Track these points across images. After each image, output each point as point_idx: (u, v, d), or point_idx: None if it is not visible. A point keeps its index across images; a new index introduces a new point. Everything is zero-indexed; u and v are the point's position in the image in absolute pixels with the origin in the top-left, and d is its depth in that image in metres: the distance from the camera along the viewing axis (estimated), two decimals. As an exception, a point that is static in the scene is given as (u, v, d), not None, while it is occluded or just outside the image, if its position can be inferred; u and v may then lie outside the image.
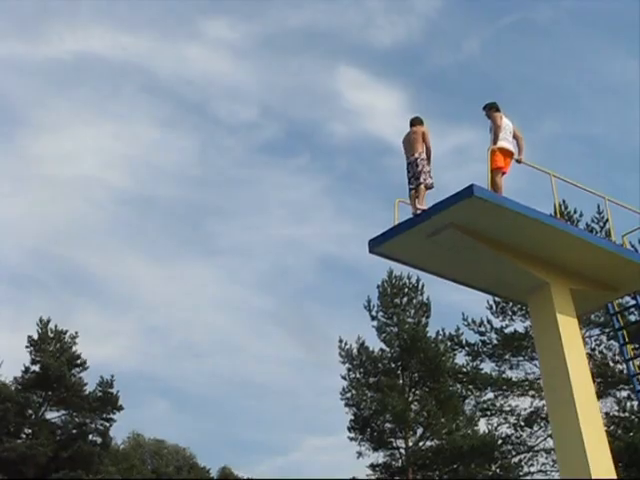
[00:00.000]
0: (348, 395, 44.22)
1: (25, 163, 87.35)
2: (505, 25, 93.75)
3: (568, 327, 14.39)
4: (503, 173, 14.40)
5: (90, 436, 45.84)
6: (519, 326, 39.39)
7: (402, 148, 14.95)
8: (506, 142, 14.58)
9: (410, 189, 14.45)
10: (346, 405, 44.10)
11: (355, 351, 44.78)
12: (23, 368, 45.53)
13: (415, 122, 14.90)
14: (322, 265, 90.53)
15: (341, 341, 44.91)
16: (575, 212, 37.41)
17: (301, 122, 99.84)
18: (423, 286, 45.66)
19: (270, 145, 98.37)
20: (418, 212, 13.99)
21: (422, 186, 14.25)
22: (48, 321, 46.85)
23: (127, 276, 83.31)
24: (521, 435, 40.63)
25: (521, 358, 39.83)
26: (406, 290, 45.96)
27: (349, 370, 44.71)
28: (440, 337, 43.34)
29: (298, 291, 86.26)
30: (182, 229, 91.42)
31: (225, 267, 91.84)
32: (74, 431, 45.15)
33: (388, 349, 44.53)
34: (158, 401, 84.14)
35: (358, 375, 44.70)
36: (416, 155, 14.52)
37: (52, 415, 45.79)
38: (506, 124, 14.71)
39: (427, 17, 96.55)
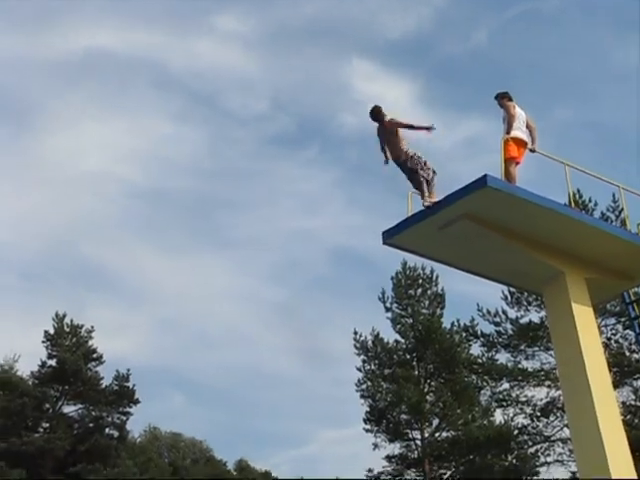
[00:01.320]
0: (363, 387, 44.26)
1: (37, 159, 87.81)
2: (514, 13, 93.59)
3: (584, 316, 14.34)
4: (517, 163, 14.31)
5: (107, 430, 46.09)
6: (534, 316, 39.34)
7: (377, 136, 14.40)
8: (519, 132, 14.46)
9: (415, 186, 14.17)
10: (361, 397, 44.15)
11: (370, 343, 44.78)
12: (40, 363, 45.85)
13: (377, 115, 14.26)
14: (334, 257, 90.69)
15: (356, 333, 44.92)
16: (590, 201, 37.27)
17: (311, 114, 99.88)
18: (437, 277, 45.64)
19: (280, 137, 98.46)
20: (428, 204, 13.83)
21: (424, 183, 14.04)
22: (64, 316, 47.09)
23: (139, 269, 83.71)
24: (537, 425, 40.54)
25: (537, 348, 39.72)
26: (420, 281, 45.89)
27: (364, 362, 44.73)
28: (455, 328, 43.29)
29: (310, 283, 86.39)
30: (193, 222, 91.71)
31: (237, 259, 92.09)
32: (91, 425, 45.39)
33: (403, 340, 44.51)
34: (173, 394, 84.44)
35: (373, 367, 44.69)
36: (402, 157, 14.05)
37: (69, 409, 46.12)
38: (519, 113, 14.60)
39: (436, 7, 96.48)
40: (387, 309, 45.06)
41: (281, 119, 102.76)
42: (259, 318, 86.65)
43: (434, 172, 14.09)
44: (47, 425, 45.00)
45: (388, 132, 14.19)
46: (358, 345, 44.78)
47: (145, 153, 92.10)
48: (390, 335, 44.92)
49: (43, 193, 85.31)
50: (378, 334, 44.82)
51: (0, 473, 39.27)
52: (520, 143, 14.41)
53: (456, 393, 42.01)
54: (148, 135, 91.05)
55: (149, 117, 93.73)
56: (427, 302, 45.51)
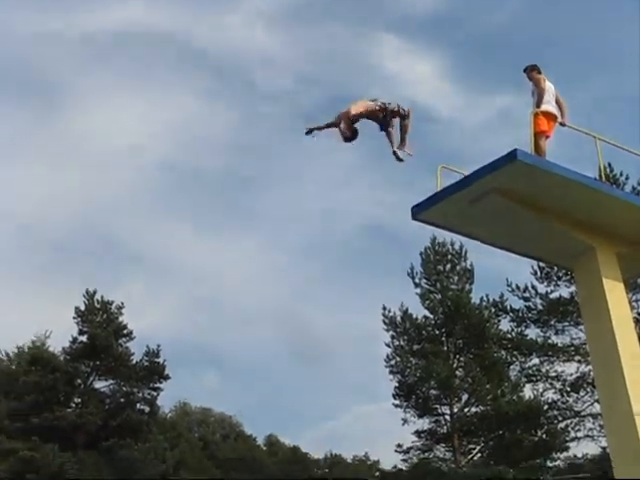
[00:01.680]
0: (392, 362, 44.35)
1: (68, 135, 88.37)
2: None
3: (614, 291, 14.23)
4: (547, 137, 14.17)
5: (138, 405, 46.52)
6: (564, 291, 39.23)
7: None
8: (549, 105, 14.30)
9: (386, 129, 14.18)
10: (391, 372, 44.28)
11: (399, 318, 44.79)
12: (71, 339, 46.29)
13: (353, 136, 14.22)
14: (365, 232, 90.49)
15: (385, 308, 44.97)
16: (621, 175, 36.99)
17: (341, 89, 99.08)
18: (466, 252, 45.58)
19: (310, 113, 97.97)
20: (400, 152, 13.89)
21: (402, 122, 14.02)
22: (94, 292, 47.45)
23: (172, 246, 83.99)
24: (567, 400, 40.53)
25: (566, 323, 39.61)
26: (449, 256, 45.79)
27: (393, 337, 44.78)
28: (484, 303, 43.26)
29: (341, 258, 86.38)
30: (225, 198, 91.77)
31: (268, 235, 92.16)
32: (122, 400, 45.82)
33: (432, 316, 44.49)
34: (203, 370, 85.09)
35: (402, 342, 44.73)
36: (380, 116, 14.11)
37: (100, 384, 46.57)
38: (549, 87, 14.44)
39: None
40: (416, 285, 45.11)
41: (311, 95, 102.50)
42: (291, 294, 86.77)
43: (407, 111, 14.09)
44: (79, 400, 45.53)
45: (359, 120, 14.19)
46: (387, 321, 44.84)
47: (176, 130, 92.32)
48: (419, 311, 45.01)
49: (74, 169, 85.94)
50: (407, 310, 44.90)
51: (33, 447, 39.82)
52: (550, 117, 14.25)
53: (485, 368, 41.99)
54: (179, 112, 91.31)
55: (179, 93, 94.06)
56: (456, 277, 45.44)
